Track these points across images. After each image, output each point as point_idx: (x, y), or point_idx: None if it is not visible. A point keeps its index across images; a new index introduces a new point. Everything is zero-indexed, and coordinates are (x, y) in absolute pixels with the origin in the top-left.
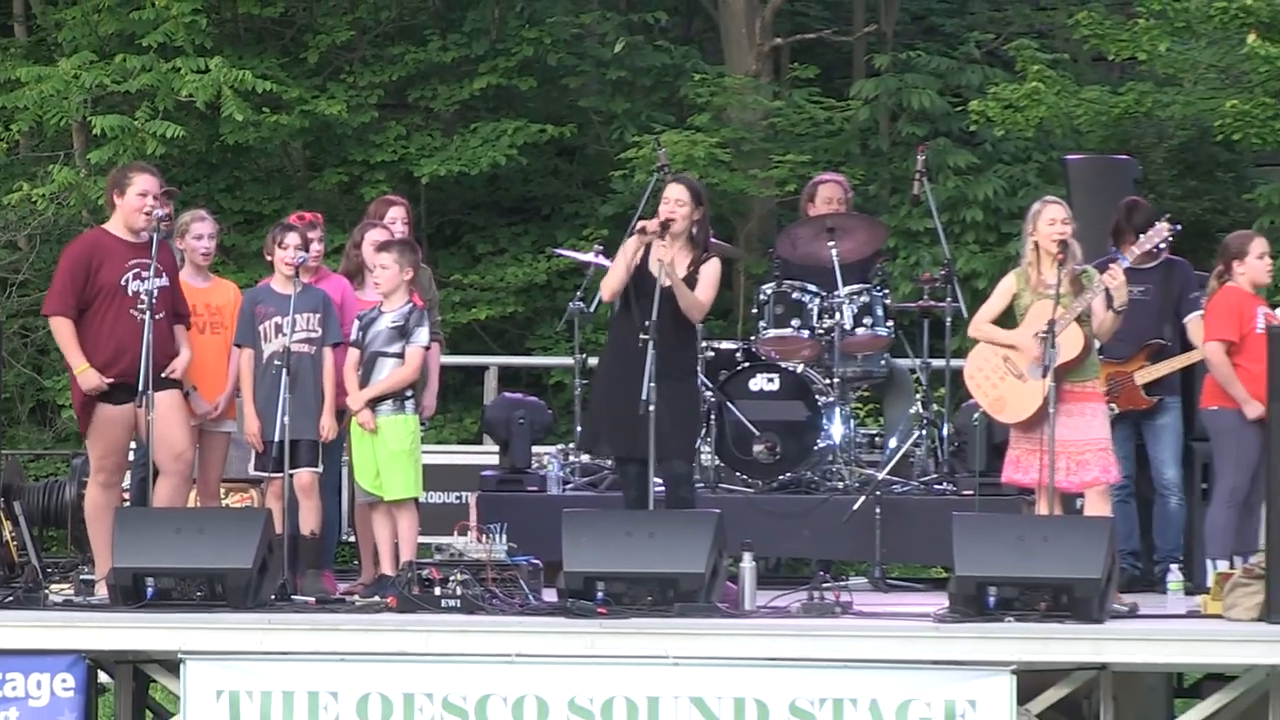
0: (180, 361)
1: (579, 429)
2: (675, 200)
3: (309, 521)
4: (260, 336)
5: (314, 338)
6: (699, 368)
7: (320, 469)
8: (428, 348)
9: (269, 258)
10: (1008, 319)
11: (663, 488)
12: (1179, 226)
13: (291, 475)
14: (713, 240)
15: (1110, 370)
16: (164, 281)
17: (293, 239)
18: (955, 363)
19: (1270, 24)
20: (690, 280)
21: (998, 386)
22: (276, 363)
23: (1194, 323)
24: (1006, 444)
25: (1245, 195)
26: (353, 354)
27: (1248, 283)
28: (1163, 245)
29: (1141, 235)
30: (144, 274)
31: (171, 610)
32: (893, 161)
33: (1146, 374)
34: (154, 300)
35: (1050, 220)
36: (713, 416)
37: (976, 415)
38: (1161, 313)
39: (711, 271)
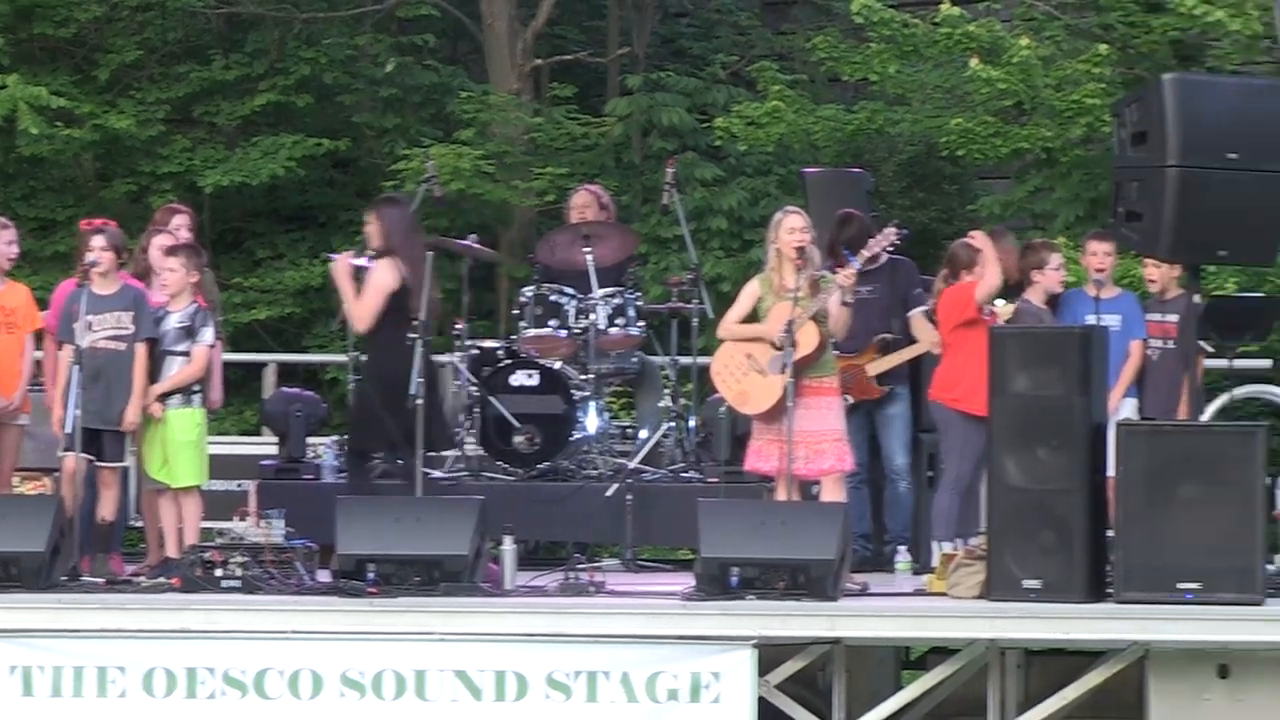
0: None
1: None
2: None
3: (106, 509)
4: (76, 333)
5: (125, 334)
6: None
7: (126, 463)
8: (212, 346)
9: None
10: (752, 321)
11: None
12: (906, 230)
13: (94, 464)
14: (475, 245)
15: (843, 363)
16: None
17: (98, 241)
18: (702, 360)
19: (990, 49)
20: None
21: (741, 381)
22: (87, 359)
23: (917, 318)
24: (749, 435)
25: (969, 206)
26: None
27: (1042, 291)
28: (890, 248)
29: (848, 248)
30: None
31: None
32: (644, 174)
33: (876, 366)
34: None
35: (790, 229)
36: (476, 410)
37: (721, 408)
38: (889, 309)
39: (370, 278)
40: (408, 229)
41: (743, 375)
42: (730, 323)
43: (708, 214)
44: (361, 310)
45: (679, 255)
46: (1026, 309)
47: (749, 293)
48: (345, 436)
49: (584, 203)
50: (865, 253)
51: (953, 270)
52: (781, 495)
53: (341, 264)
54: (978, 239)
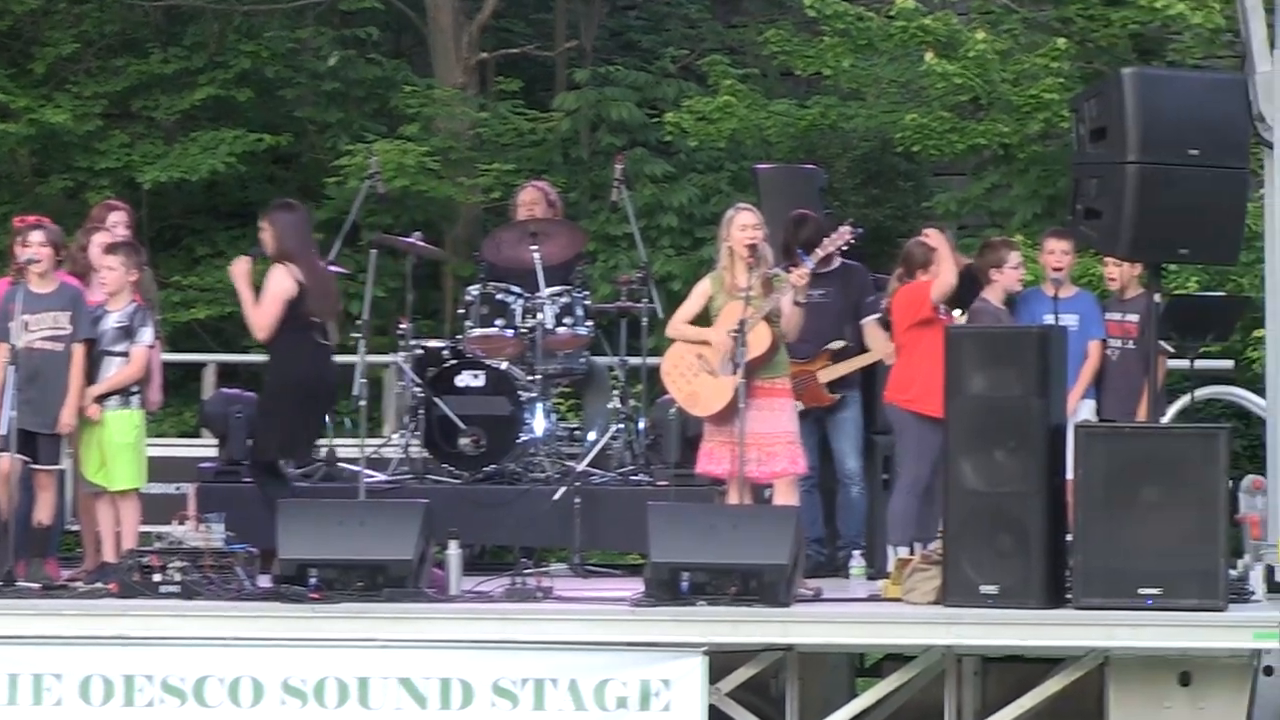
0: None
1: None
2: None
3: (42, 513)
4: (12, 333)
5: (62, 335)
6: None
7: (63, 466)
8: (151, 346)
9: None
10: (704, 321)
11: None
12: (861, 230)
13: (30, 467)
14: (419, 243)
15: (795, 369)
16: None
17: (36, 238)
18: (652, 360)
19: (946, 43)
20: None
21: (692, 382)
22: (23, 359)
23: (870, 326)
24: (700, 437)
25: (924, 203)
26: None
27: (1000, 290)
28: (844, 248)
29: (803, 249)
30: None
31: None
32: (593, 170)
33: (828, 373)
34: None
35: (742, 226)
36: (420, 411)
37: (672, 410)
38: (842, 315)
39: (267, 285)
40: (302, 233)
41: (693, 376)
42: (680, 322)
43: (657, 211)
44: (262, 319)
45: (628, 253)
46: (984, 308)
47: (700, 291)
48: (254, 445)
49: (531, 200)
50: (819, 252)
51: (908, 269)
52: (733, 498)
53: (239, 267)
54: (932, 237)
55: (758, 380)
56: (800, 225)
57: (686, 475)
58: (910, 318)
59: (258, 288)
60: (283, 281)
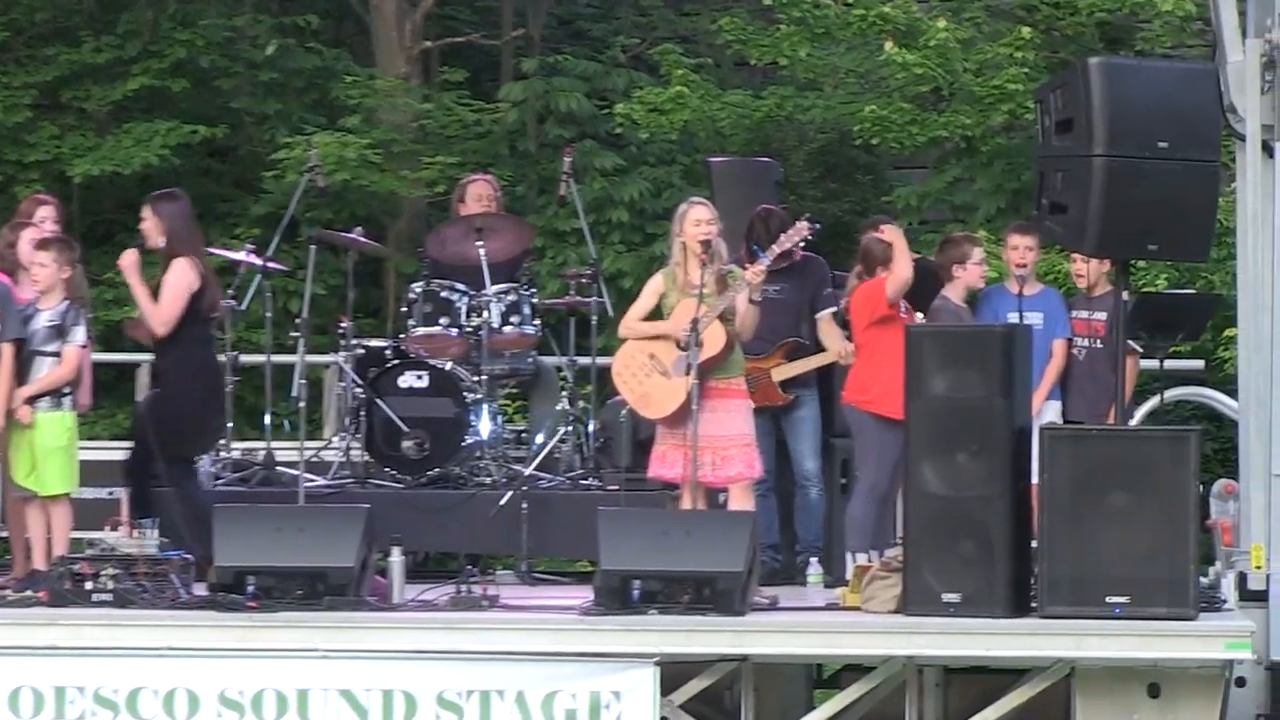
0: None
1: (231, 425)
2: None
3: None
4: None
5: None
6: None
7: None
8: (84, 346)
9: None
10: (656, 319)
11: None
12: (819, 225)
13: None
14: (360, 239)
15: (748, 366)
16: None
17: None
18: (602, 360)
19: (907, 31)
20: None
21: (643, 383)
22: None
23: (825, 321)
24: (652, 440)
25: (884, 197)
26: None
27: (962, 287)
28: (802, 243)
29: (759, 244)
30: None
31: None
32: (540, 163)
33: (783, 371)
34: None
35: (695, 221)
36: (362, 413)
37: (623, 412)
38: (798, 311)
39: (169, 280)
40: (191, 224)
41: (645, 377)
42: (632, 320)
43: (607, 205)
44: (166, 314)
45: (577, 249)
46: (945, 306)
47: (652, 289)
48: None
49: (477, 194)
50: (776, 248)
51: (867, 266)
52: (686, 504)
53: (129, 259)
54: (886, 232)
55: (712, 381)
56: (768, 220)
57: (638, 479)
58: (869, 316)
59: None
60: (187, 274)
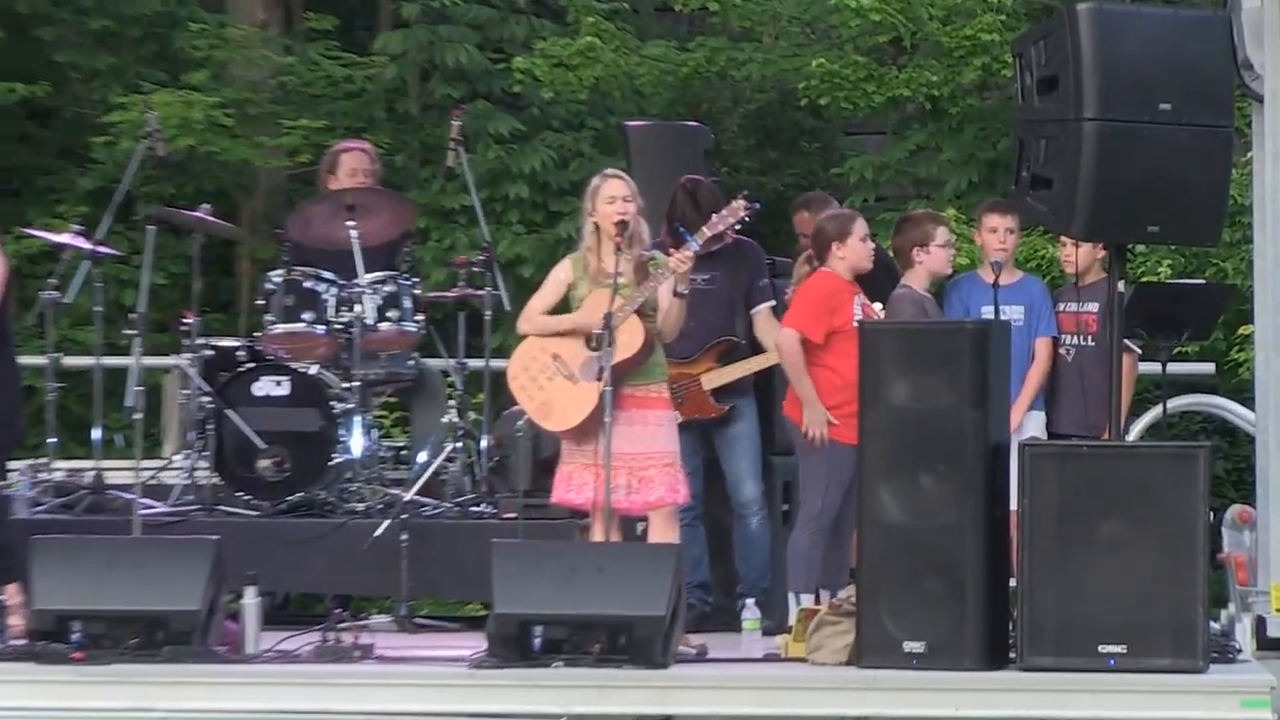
0: None
1: (51, 440)
2: None
3: None
4: None
5: None
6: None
7: None
8: None
9: None
10: (563, 313)
11: None
12: (758, 205)
13: None
14: (208, 218)
15: (674, 372)
16: None
17: None
18: (496, 363)
19: None
20: None
21: (545, 389)
22: None
23: (763, 317)
24: (557, 458)
25: (834, 169)
26: None
27: (847, 269)
28: (738, 226)
29: (684, 224)
30: None
31: None
32: (424, 128)
33: (715, 377)
34: None
35: (609, 198)
36: (210, 426)
37: (520, 424)
38: (732, 305)
39: None
40: None
41: (547, 381)
42: (534, 313)
43: (504, 179)
44: None
45: (467, 231)
46: (906, 297)
47: (559, 277)
48: None
49: (349, 165)
50: (707, 230)
51: (817, 250)
52: (598, 534)
53: None
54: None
55: (628, 387)
56: (696, 194)
57: (540, 505)
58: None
59: None
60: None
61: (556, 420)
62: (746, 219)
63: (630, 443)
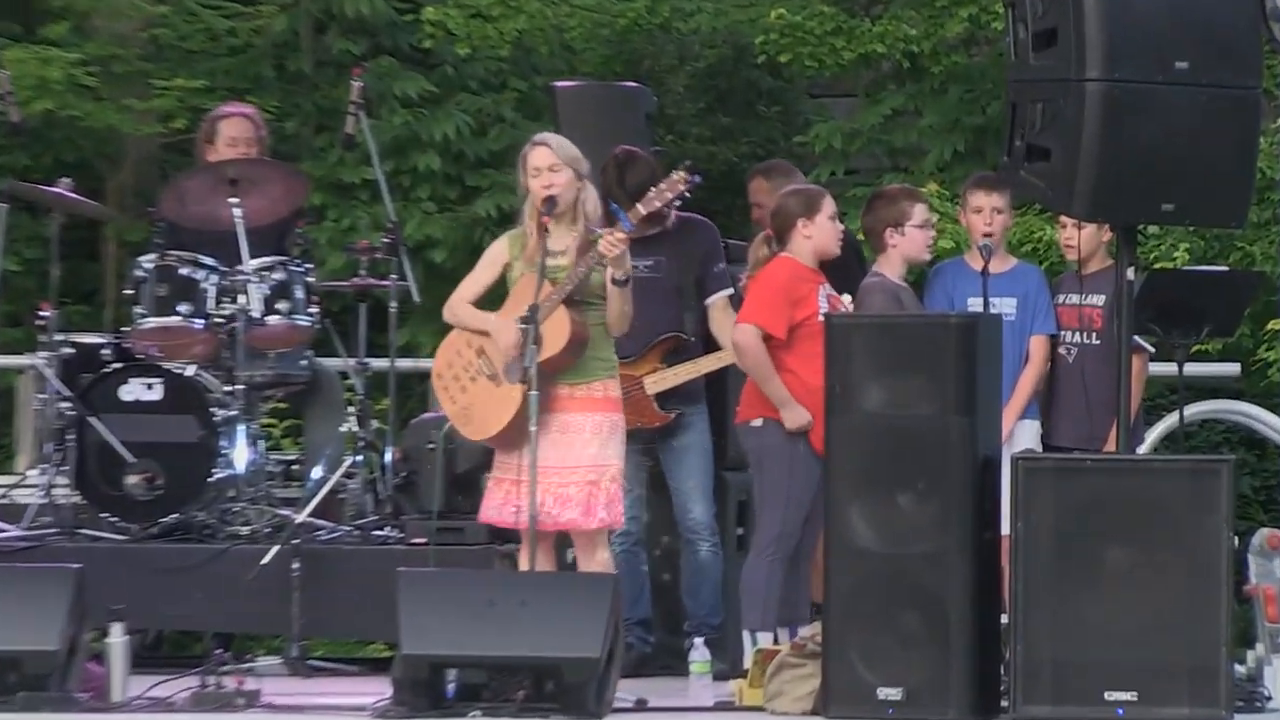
0: None
1: None
2: None
3: None
4: None
5: None
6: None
7: None
8: None
9: None
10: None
11: None
12: (698, 178)
13: None
14: (68, 194)
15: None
16: None
17: None
18: (404, 364)
19: None
20: None
21: (468, 390)
22: None
23: (718, 308)
24: (473, 474)
25: (796, 137)
26: None
27: (811, 254)
28: (678, 202)
29: (618, 202)
30: None
31: None
32: (319, 89)
33: (660, 380)
34: None
35: (534, 169)
36: (71, 436)
37: (433, 435)
38: (680, 295)
39: None
40: None
41: (470, 381)
42: (460, 301)
43: (412, 148)
44: None
45: (370, 209)
46: (879, 286)
47: (494, 258)
48: None
49: (231, 132)
50: (642, 209)
51: (778, 231)
52: (523, 563)
53: None
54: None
55: (563, 387)
56: (627, 167)
57: (455, 529)
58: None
59: None
60: None
61: (476, 428)
62: (687, 194)
63: (557, 453)
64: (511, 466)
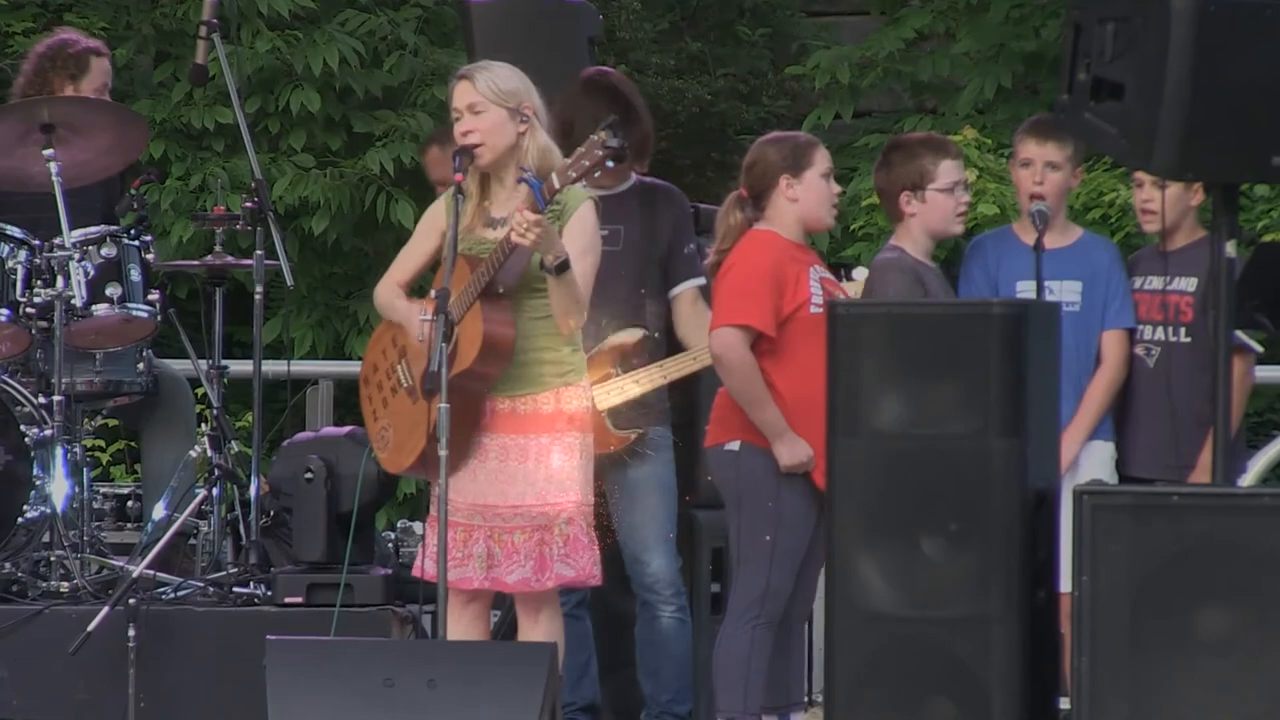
0: None
1: None
2: None
3: None
4: None
5: None
6: None
7: None
8: None
9: None
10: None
11: None
12: (621, 143)
13: None
14: None
15: None
16: None
17: None
18: (271, 366)
19: None
20: None
21: (389, 405)
22: None
23: (686, 300)
24: (369, 511)
25: (790, 68)
26: None
27: (797, 223)
28: (599, 168)
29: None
30: None
31: None
32: (160, 5)
33: (613, 390)
34: None
35: (455, 112)
36: None
37: (311, 463)
38: (639, 280)
39: None
40: None
41: (390, 394)
42: (388, 282)
43: (283, 82)
44: None
45: (227, 163)
46: (896, 265)
47: (432, 223)
48: None
49: (108, 78)
50: (556, 180)
51: (754, 192)
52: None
53: None
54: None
55: (503, 400)
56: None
57: (339, 585)
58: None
59: None
60: None
61: (390, 456)
62: (608, 163)
63: (495, 488)
64: (453, 506)
